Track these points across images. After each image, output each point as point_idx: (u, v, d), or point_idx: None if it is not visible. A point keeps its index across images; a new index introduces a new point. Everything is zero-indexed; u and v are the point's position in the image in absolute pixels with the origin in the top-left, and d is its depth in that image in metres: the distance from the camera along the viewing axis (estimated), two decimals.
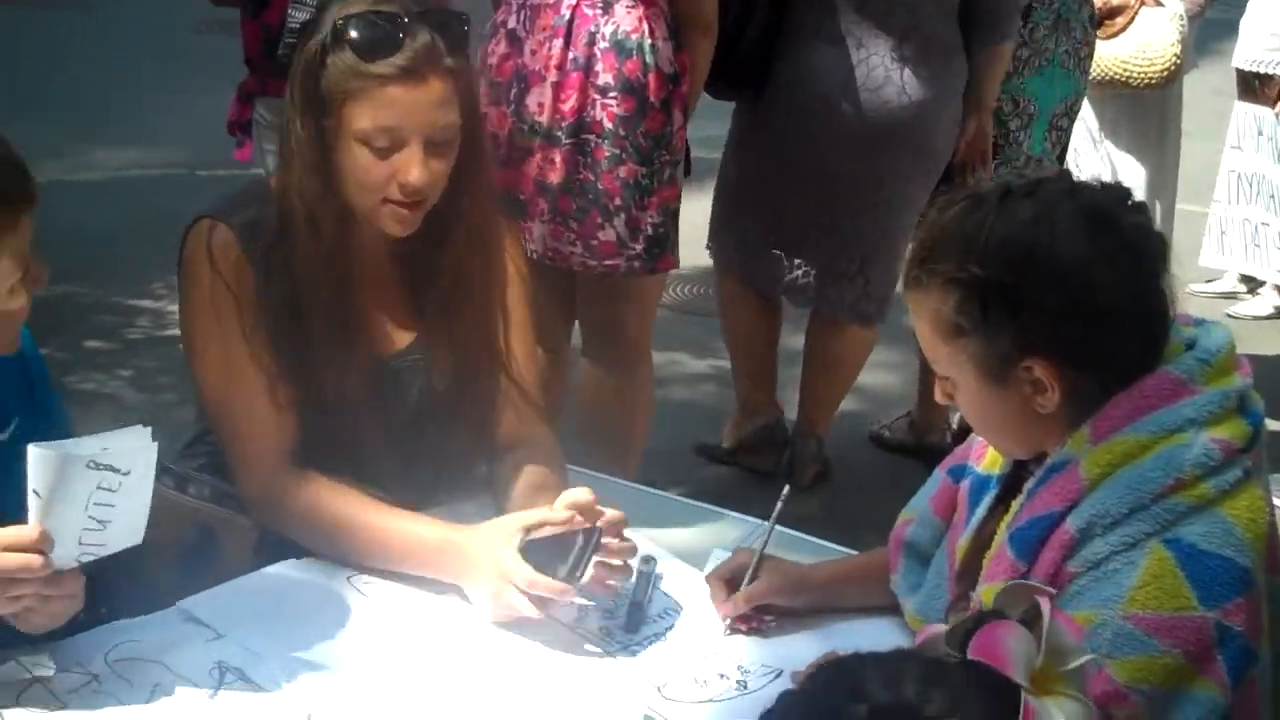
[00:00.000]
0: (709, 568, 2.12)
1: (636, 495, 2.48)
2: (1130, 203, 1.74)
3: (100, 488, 1.70)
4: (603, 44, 3.36)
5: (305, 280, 2.15)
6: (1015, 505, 1.75)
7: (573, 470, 2.44)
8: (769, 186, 4.05)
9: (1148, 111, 4.99)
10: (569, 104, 3.38)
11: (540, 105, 3.39)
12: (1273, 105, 5.36)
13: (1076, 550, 1.63)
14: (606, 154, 3.40)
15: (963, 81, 3.97)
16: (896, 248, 4.10)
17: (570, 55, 3.37)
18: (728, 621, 1.98)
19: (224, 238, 2.15)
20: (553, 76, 3.37)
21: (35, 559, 1.67)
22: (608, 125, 3.38)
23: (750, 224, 4.12)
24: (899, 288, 4.10)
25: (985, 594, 1.69)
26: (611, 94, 3.37)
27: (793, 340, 4.54)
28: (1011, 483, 1.82)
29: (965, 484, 1.90)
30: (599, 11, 3.37)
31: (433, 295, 2.25)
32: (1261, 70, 5.37)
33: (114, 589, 1.92)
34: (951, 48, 3.91)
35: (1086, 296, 1.66)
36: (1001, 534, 1.73)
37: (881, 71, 3.82)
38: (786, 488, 2.07)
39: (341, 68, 2.06)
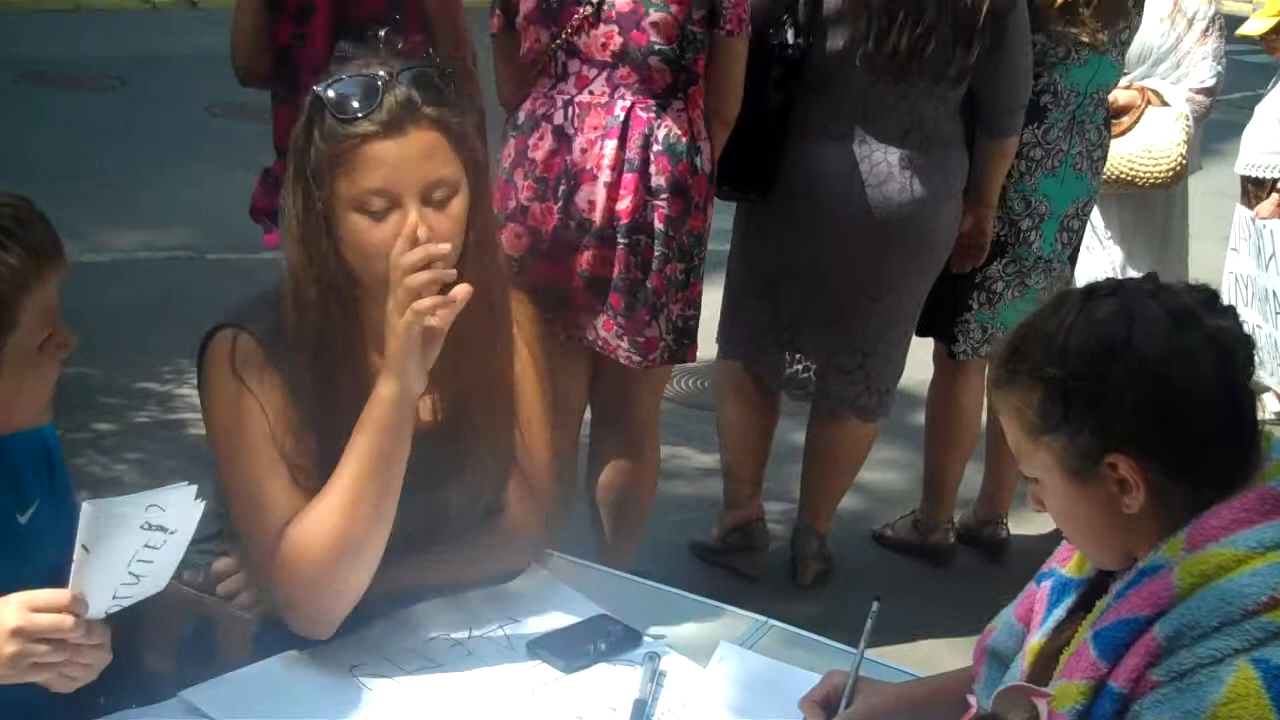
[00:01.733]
0: (715, 662, 2.12)
1: (639, 589, 2.47)
2: (1217, 305, 1.73)
3: (147, 545, 1.70)
4: (657, 147, 3.48)
5: (323, 365, 2.11)
6: (1100, 605, 1.72)
7: (571, 561, 2.44)
8: (771, 280, 4.07)
9: (1152, 211, 5.02)
10: (624, 204, 3.47)
11: (591, 203, 3.48)
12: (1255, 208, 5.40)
13: (1161, 659, 1.60)
14: (657, 253, 3.52)
15: (964, 177, 4.00)
16: (897, 342, 4.13)
17: (625, 156, 3.46)
18: None
19: (246, 346, 2.12)
20: (606, 176, 3.46)
21: (66, 619, 1.67)
22: (658, 226, 3.50)
23: (753, 318, 4.14)
24: (901, 382, 4.14)
25: (1060, 690, 1.67)
26: (663, 195, 3.49)
27: (793, 436, 4.53)
28: (1095, 589, 1.79)
29: (1045, 585, 1.88)
30: (653, 115, 3.49)
31: (440, 363, 2.16)
32: (1255, 175, 5.42)
33: (113, 677, 1.91)
34: (953, 143, 3.94)
35: (1166, 392, 1.65)
36: (1085, 631, 1.71)
37: (884, 167, 3.85)
38: (875, 603, 2.02)
39: (325, 136, 2.04)
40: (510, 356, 2.29)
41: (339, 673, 2.04)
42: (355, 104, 2.02)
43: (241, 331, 2.13)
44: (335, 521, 2.03)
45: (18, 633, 1.65)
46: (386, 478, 2.05)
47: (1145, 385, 1.65)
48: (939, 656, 3.87)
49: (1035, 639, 1.83)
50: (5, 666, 1.67)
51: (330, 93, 2.04)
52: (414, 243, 2.00)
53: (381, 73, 2.05)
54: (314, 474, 2.08)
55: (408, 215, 2.02)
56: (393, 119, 2.02)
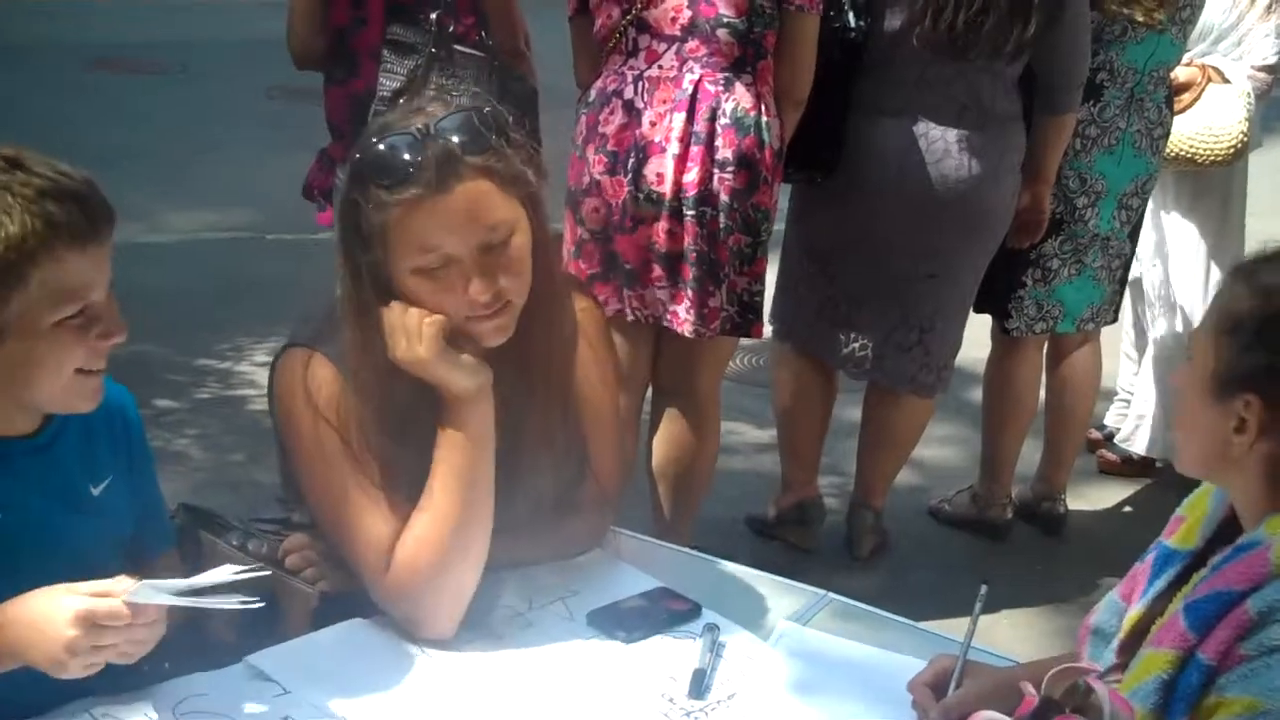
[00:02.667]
0: (774, 640, 2.13)
1: (697, 563, 2.49)
2: None
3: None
4: (724, 120, 3.52)
5: (396, 407, 2.08)
6: (1196, 578, 1.72)
7: (630, 536, 2.46)
8: (827, 259, 4.07)
9: (1211, 188, 4.97)
10: (691, 176, 3.52)
11: (659, 176, 3.53)
12: None
13: (1252, 633, 1.60)
14: (721, 225, 3.56)
15: (1021, 153, 3.98)
16: (955, 318, 4.12)
17: (692, 129, 3.51)
18: None
19: (320, 371, 2.10)
20: (674, 149, 3.52)
21: (123, 609, 1.74)
22: (724, 198, 3.55)
23: (809, 297, 4.14)
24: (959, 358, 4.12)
25: (1148, 658, 1.68)
26: (729, 168, 3.53)
27: (848, 412, 4.53)
28: (1197, 562, 1.79)
29: (1150, 557, 1.88)
30: (721, 88, 3.53)
31: (506, 388, 2.14)
32: None
33: (178, 643, 1.95)
34: (1010, 119, 3.92)
35: None
36: (1178, 603, 1.71)
37: (941, 145, 3.84)
38: (984, 587, 1.96)
39: (371, 203, 1.98)
40: (571, 376, 2.26)
41: (402, 641, 2.06)
42: (396, 168, 1.97)
43: (315, 353, 2.11)
44: (437, 530, 2.04)
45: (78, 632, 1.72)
46: (478, 480, 2.07)
47: None
48: (996, 630, 3.87)
49: (1135, 609, 1.83)
50: (64, 651, 1.72)
51: (369, 163, 2.00)
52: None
53: (419, 126, 2.00)
54: (402, 486, 2.08)
55: (470, 269, 2.00)
56: (435, 181, 1.96)
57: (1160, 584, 1.82)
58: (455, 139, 1.98)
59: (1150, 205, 4.60)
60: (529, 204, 2.08)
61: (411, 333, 2.01)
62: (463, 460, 2.06)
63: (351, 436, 2.07)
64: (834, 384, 4.33)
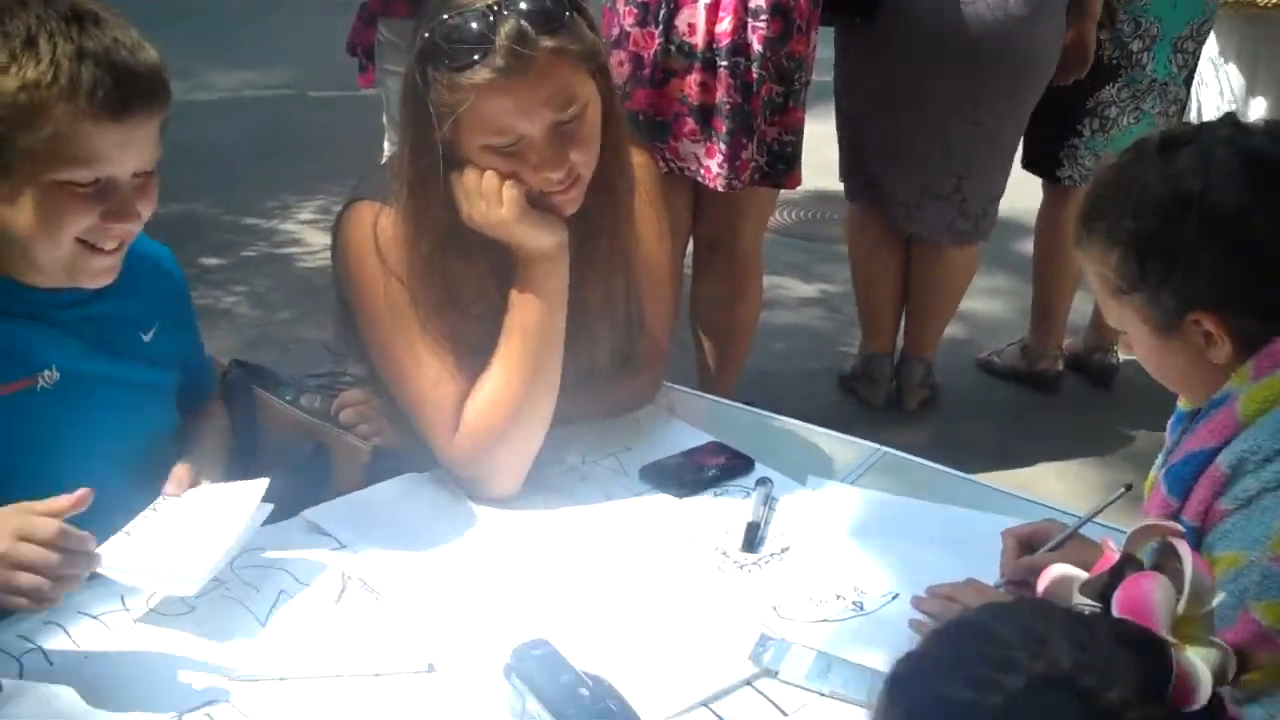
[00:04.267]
0: (826, 494, 2.13)
1: (748, 418, 2.48)
2: None
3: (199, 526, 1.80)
4: None
5: (459, 272, 2.08)
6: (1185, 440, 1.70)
7: (681, 391, 2.47)
8: (872, 108, 4.02)
9: (1274, 35, 4.86)
10: (724, 25, 3.45)
11: (691, 26, 3.46)
12: None
13: (1228, 488, 1.58)
14: (755, 75, 3.49)
15: None
16: (996, 164, 4.07)
17: None
18: (1004, 580, 1.86)
19: (390, 227, 2.07)
20: None
21: (53, 556, 1.62)
22: (757, 47, 3.47)
23: (857, 147, 4.10)
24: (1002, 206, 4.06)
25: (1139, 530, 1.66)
26: (762, 16, 3.45)
27: None
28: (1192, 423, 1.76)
29: (1169, 422, 1.85)
30: None
31: (571, 249, 2.09)
32: None
33: None
34: None
35: (1245, 245, 1.60)
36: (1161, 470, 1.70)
37: None
38: (1128, 488, 1.89)
39: (441, 83, 1.93)
40: (632, 234, 2.23)
41: (455, 494, 2.07)
42: (468, 50, 1.91)
43: (384, 208, 2.08)
44: (510, 391, 2.05)
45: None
46: (550, 340, 2.07)
47: (1222, 242, 1.60)
48: (1044, 480, 3.88)
49: (1150, 475, 1.81)
50: None
51: (438, 42, 1.93)
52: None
53: (490, 3, 1.92)
54: (468, 344, 2.08)
55: (543, 150, 1.97)
56: (509, 64, 1.90)
57: (1169, 446, 1.79)
58: (527, 18, 1.91)
59: (1210, 58, 4.50)
60: (599, 75, 2.03)
61: (491, 195, 1.99)
62: (537, 320, 2.06)
63: (421, 293, 2.06)
64: (904, 237, 4.27)
